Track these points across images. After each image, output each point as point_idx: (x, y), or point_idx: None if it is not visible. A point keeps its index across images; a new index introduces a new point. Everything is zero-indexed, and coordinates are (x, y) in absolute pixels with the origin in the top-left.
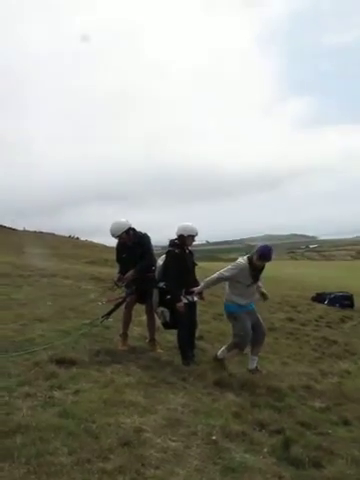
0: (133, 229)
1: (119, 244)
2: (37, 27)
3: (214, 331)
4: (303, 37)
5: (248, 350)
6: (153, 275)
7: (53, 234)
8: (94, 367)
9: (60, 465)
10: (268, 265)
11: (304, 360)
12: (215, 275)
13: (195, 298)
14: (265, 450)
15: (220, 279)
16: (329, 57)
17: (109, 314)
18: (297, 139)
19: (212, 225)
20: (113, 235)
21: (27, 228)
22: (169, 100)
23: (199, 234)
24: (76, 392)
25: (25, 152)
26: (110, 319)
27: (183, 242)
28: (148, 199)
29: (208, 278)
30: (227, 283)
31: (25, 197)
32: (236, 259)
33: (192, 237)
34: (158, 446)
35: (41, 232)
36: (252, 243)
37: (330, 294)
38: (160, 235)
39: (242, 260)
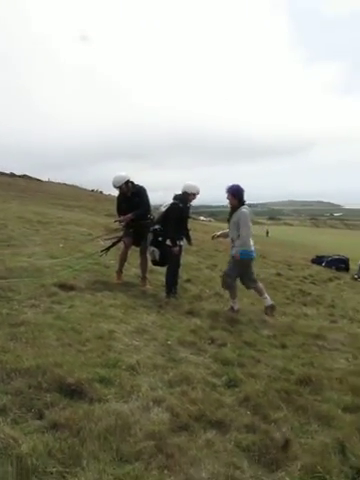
0: (132, 182)
1: (120, 195)
2: None
3: (202, 277)
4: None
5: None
6: (148, 222)
7: (76, 186)
8: (89, 292)
9: (50, 345)
10: (288, 231)
11: None
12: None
13: (181, 242)
14: (207, 355)
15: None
16: None
17: (107, 249)
18: (330, 105)
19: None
20: (114, 186)
21: (52, 179)
22: (195, 61)
23: (223, 195)
24: (71, 306)
25: (58, 108)
26: (111, 261)
27: (186, 198)
28: (172, 159)
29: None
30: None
31: (53, 151)
32: (257, 222)
33: (194, 195)
34: (123, 342)
35: (65, 184)
36: (275, 207)
37: (328, 257)
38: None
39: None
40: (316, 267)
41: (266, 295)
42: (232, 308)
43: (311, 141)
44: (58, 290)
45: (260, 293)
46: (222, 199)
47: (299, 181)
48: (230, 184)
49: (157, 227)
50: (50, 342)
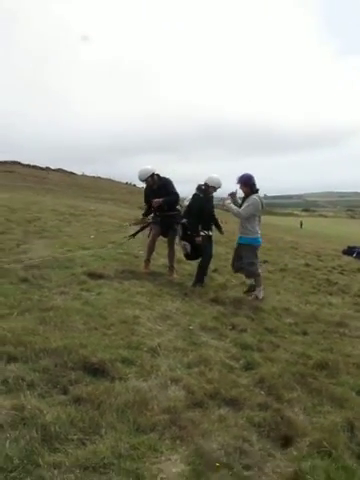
0: (157, 174)
1: (147, 188)
2: None
3: (230, 267)
4: None
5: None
6: (176, 213)
7: (111, 180)
8: (117, 280)
9: (76, 328)
10: (322, 222)
11: (297, 293)
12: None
13: (210, 232)
14: (228, 340)
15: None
16: None
17: (134, 235)
18: None
19: (272, 179)
20: (140, 179)
21: (86, 173)
22: (228, 52)
23: (259, 186)
24: (98, 293)
25: (88, 104)
26: (140, 251)
27: (206, 190)
28: (204, 151)
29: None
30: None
31: (86, 145)
32: (291, 214)
33: (214, 188)
34: (147, 326)
35: (99, 177)
36: (310, 199)
37: (358, 248)
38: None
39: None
40: (347, 258)
41: (261, 288)
42: (257, 296)
43: (350, 131)
44: (87, 278)
45: (255, 282)
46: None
47: (336, 172)
48: (241, 174)
49: (184, 221)
50: (77, 326)
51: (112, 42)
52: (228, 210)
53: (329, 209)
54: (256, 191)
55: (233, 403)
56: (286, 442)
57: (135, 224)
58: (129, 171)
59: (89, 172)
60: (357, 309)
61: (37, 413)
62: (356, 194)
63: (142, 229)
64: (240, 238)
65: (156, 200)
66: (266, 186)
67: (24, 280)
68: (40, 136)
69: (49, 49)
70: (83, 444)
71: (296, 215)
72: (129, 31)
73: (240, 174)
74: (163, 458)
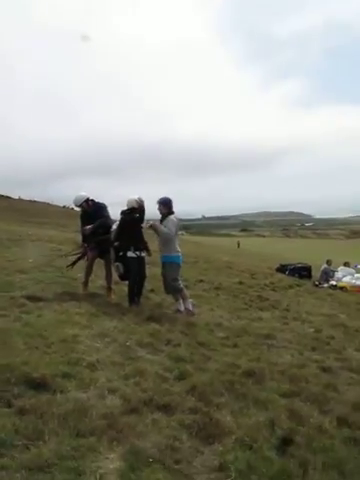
0: (92, 200)
1: (82, 212)
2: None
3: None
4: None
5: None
6: (109, 236)
7: (48, 203)
8: (56, 302)
9: (18, 348)
10: (259, 242)
11: (230, 309)
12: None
13: (143, 254)
14: (162, 354)
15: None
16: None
17: (73, 264)
18: (292, 118)
19: (209, 200)
20: (75, 205)
21: (22, 197)
22: (158, 77)
23: (196, 209)
24: (39, 315)
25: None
26: (78, 274)
27: (132, 210)
28: (141, 174)
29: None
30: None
31: (21, 167)
32: (229, 235)
33: (134, 209)
34: (86, 344)
35: (36, 201)
36: (248, 219)
37: (291, 265)
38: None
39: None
40: (280, 275)
41: (181, 302)
42: (178, 310)
43: (279, 152)
44: (27, 301)
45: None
46: (194, 212)
47: (271, 192)
48: (161, 196)
49: (116, 244)
50: (18, 346)
51: (45, 64)
52: (155, 229)
53: (265, 229)
54: (172, 212)
55: (166, 408)
56: (213, 440)
57: (73, 254)
58: (66, 195)
59: (25, 196)
60: (285, 322)
61: None
62: (291, 213)
63: (79, 259)
64: (163, 257)
65: (86, 228)
66: (204, 207)
67: None
68: None
69: None
70: (27, 449)
71: (233, 235)
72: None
73: (161, 196)
74: (102, 457)
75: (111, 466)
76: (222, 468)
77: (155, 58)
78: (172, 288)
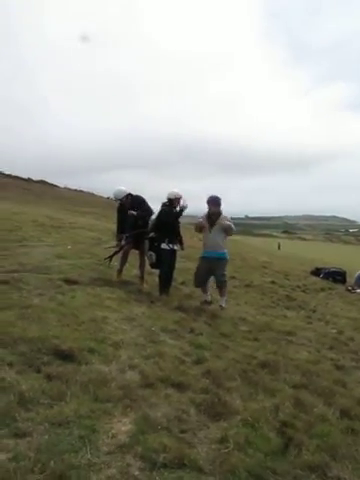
0: (130, 194)
1: (119, 205)
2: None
3: None
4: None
5: None
6: (146, 229)
7: (92, 193)
8: (90, 286)
9: (51, 324)
10: (300, 245)
11: (257, 306)
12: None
13: (175, 247)
14: (184, 340)
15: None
16: None
17: (111, 257)
18: (339, 122)
19: (252, 200)
20: (116, 198)
21: (68, 186)
22: (208, 70)
23: (239, 208)
24: (72, 297)
25: (74, 117)
26: (114, 262)
27: (171, 203)
28: (184, 170)
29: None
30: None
31: (69, 158)
32: (270, 235)
33: (177, 199)
34: (113, 325)
35: (81, 191)
36: (290, 221)
37: (325, 269)
38: (199, 202)
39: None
40: (314, 278)
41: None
42: (221, 306)
43: (318, 158)
44: (63, 283)
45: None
46: (237, 212)
47: (312, 196)
48: (211, 195)
49: (152, 234)
50: (51, 322)
51: (103, 52)
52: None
53: (308, 232)
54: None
55: (179, 386)
56: (220, 418)
57: (110, 247)
58: (110, 186)
59: (71, 185)
60: (309, 322)
61: (14, 383)
62: (334, 218)
63: (116, 253)
64: (223, 253)
65: (131, 212)
66: (246, 208)
67: (5, 282)
68: (23, 147)
69: (37, 57)
70: (51, 407)
71: (275, 237)
72: (123, 41)
73: (211, 195)
74: (115, 420)
75: (123, 428)
76: (222, 441)
77: (205, 53)
78: (223, 283)
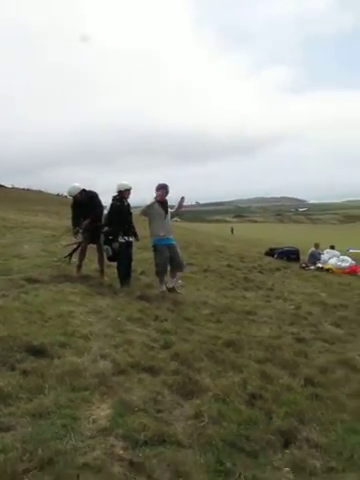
0: (84, 189)
1: (74, 201)
2: None
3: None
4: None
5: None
6: (100, 224)
7: (41, 191)
8: (52, 284)
9: (18, 323)
10: (252, 227)
11: (216, 289)
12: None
13: (131, 239)
14: (150, 327)
15: (143, 212)
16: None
17: (70, 255)
18: (282, 103)
19: (203, 187)
20: (70, 195)
21: (16, 185)
22: (147, 66)
23: (189, 195)
24: (36, 295)
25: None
26: (73, 259)
27: (121, 196)
28: (134, 161)
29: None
30: (150, 221)
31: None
32: (223, 220)
33: (127, 191)
34: (80, 319)
35: (29, 189)
36: (242, 205)
37: (279, 249)
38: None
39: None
40: (268, 259)
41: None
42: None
43: (260, 141)
44: (25, 283)
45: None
46: (188, 199)
47: (262, 179)
48: (161, 182)
49: (106, 229)
50: (18, 321)
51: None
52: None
53: (260, 214)
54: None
55: (151, 370)
56: (192, 396)
57: (67, 245)
58: (62, 183)
59: (20, 184)
60: (267, 300)
61: None
62: (285, 198)
63: (75, 250)
64: (172, 239)
65: (85, 223)
66: (198, 194)
67: None
68: None
69: None
70: (31, 400)
71: (228, 221)
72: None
73: (160, 183)
74: (94, 407)
75: (102, 413)
76: (197, 416)
77: (142, 48)
78: (182, 266)
